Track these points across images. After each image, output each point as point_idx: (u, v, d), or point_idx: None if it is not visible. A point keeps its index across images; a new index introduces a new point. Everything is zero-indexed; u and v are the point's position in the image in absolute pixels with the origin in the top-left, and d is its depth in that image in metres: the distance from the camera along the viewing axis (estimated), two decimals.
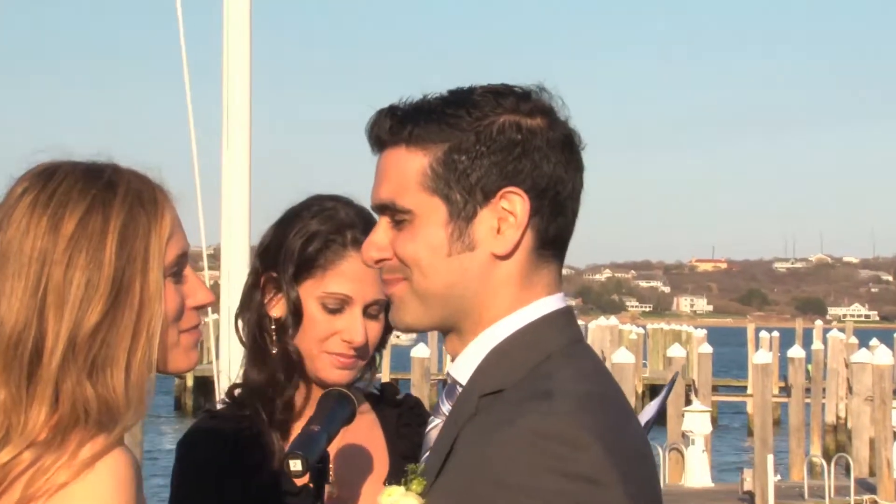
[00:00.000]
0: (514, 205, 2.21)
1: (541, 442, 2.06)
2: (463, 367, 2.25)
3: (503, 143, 2.21)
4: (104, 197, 2.26)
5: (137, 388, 2.24)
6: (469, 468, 2.10)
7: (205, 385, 44.39)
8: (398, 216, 2.25)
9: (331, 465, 2.92)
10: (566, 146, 2.25)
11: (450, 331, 2.27)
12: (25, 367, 2.20)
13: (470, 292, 2.22)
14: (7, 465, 2.17)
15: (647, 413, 3.93)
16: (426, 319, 2.26)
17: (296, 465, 2.74)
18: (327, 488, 3.00)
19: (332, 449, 3.05)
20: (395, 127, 2.25)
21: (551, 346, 2.21)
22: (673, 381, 4.93)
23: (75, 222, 2.24)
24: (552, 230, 2.24)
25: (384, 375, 50.57)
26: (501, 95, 2.24)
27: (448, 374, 2.29)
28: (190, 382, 51.62)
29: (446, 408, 2.27)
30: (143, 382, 2.25)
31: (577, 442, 2.06)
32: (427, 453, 2.27)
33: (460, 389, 2.25)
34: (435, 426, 2.29)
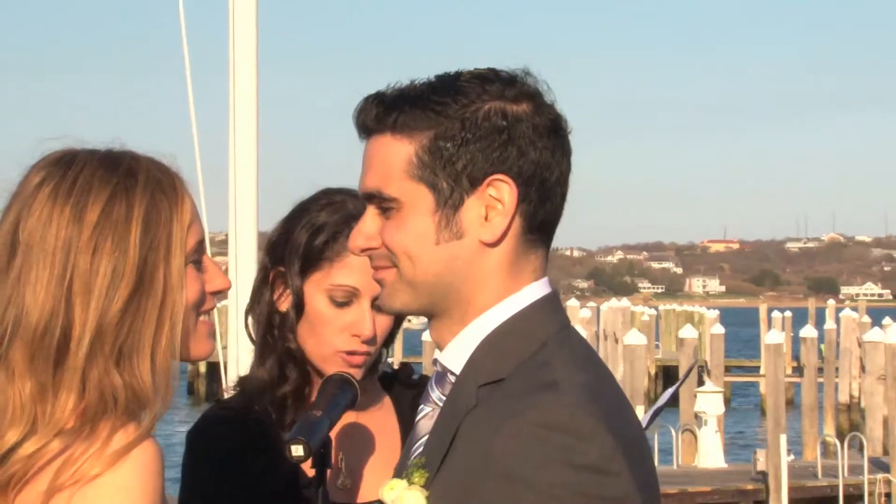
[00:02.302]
0: (502, 192, 2.19)
1: (547, 434, 2.05)
2: (455, 356, 2.23)
3: (489, 130, 2.19)
4: (126, 184, 2.26)
5: (163, 375, 2.24)
6: (475, 461, 2.09)
7: (218, 371, 44.32)
8: (385, 204, 2.23)
9: (338, 451, 2.91)
10: (552, 131, 2.24)
11: (438, 317, 2.25)
12: (52, 356, 2.20)
13: (459, 280, 2.21)
14: (34, 454, 2.17)
15: (662, 399, 3.94)
16: (415, 304, 2.25)
17: (297, 450, 2.73)
18: (339, 477, 2.99)
19: (345, 435, 3.05)
20: (380, 114, 2.23)
21: (544, 333, 2.20)
22: (691, 369, 4.96)
23: (99, 210, 2.24)
24: (540, 216, 2.23)
25: (396, 360, 50.63)
26: (487, 81, 2.22)
27: (437, 361, 2.27)
28: (203, 369, 51.62)
29: (436, 395, 2.26)
30: (169, 369, 2.25)
31: (584, 432, 2.05)
32: (420, 442, 2.26)
33: (452, 378, 2.24)
34: (425, 414, 2.28)
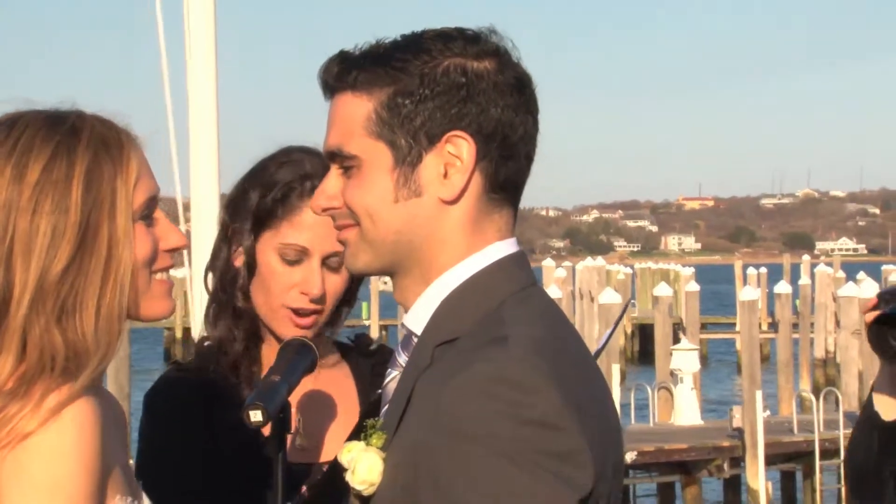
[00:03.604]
0: (460, 149, 2.17)
1: (493, 388, 2.02)
2: (417, 317, 2.22)
3: (447, 86, 2.17)
4: (68, 143, 2.25)
5: (107, 332, 2.23)
6: (424, 419, 2.07)
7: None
8: (346, 163, 2.22)
9: (296, 414, 2.89)
10: (517, 89, 2.21)
11: (401, 276, 2.24)
12: None
13: (419, 238, 2.19)
14: None
15: (599, 342, 3.97)
16: (377, 264, 2.23)
17: (256, 415, 2.71)
18: (294, 438, 2.98)
19: (304, 399, 3.04)
20: (341, 72, 2.22)
21: (504, 292, 2.18)
22: (624, 310, 4.98)
23: (39, 170, 2.23)
24: (502, 174, 2.20)
25: (373, 322, 50.70)
26: (450, 39, 2.20)
27: (403, 325, 2.26)
28: (179, 334, 51.61)
29: (403, 359, 2.24)
30: (114, 326, 2.24)
31: (531, 387, 2.03)
32: (386, 407, 2.24)
33: (416, 340, 2.22)
34: (392, 378, 2.27)
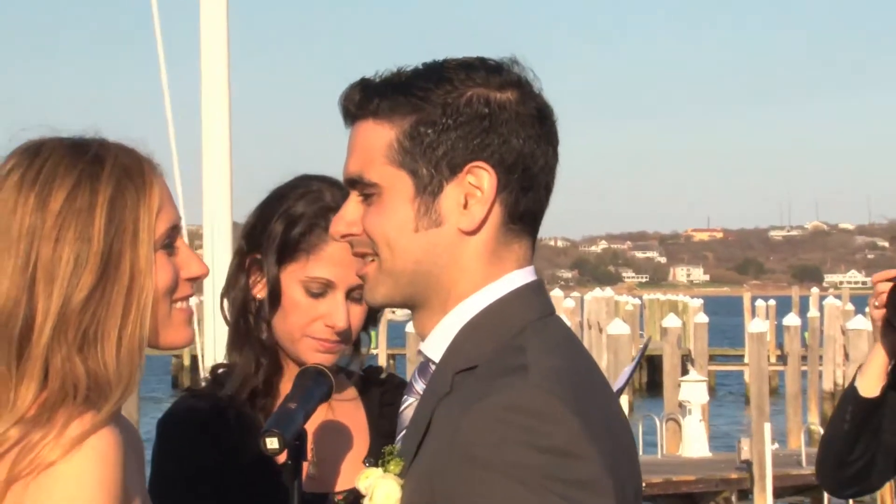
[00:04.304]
0: (481, 179, 2.18)
1: (512, 416, 2.03)
2: (435, 345, 2.22)
3: (470, 117, 2.18)
4: (91, 171, 2.26)
5: (128, 363, 2.23)
6: (443, 446, 2.07)
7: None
8: (366, 190, 2.22)
9: (309, 443, 2.89)
10: (538, 120, 2.22)
11: (419, 307, 2.24)
12: (15, 344, 2.20)
13: (438, 268, 2.20)
14: None
15: (620, 380, 3.96)
16: (397, 296, 2.24)
17: (272, 442, 2.71)
18: (307, 467, 2.97)
19: (315, 428, 3.04)
20: (363, 100, 2.23)
21: (523, 320, 2.19)
22: (645, 347, 4.94)
23: (63, 198, 2.23)
24: (522, 205, 2.21)
25: (381, 351, 50.69)
26: (472, 69, 2.21)
27: (420, 352, 2.26)
28: (187, 362, 51.58)
29: (420, 386, 2.25)
30: (135, 357, 2.24)
31: (551, 415, 2.03)
32: (403, 433, 2.25)
33: (433, 367, 2.23)
34: (409, 405, 2.27)
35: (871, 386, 3.92)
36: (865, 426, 3.95)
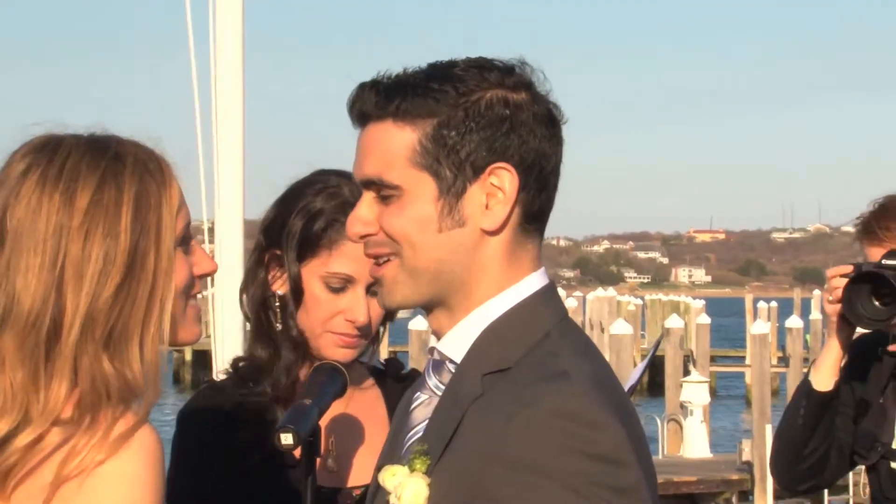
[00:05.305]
0: (503, 180, 2.20)
1: (560, 422, 2.06)
2: (455, 344, 2.24)
3: (492, 119, 2.20)
4: (114, 169, 2.25)
5: (153, 360, 2.23)
6: (484, 448, 2.10)
7: (203, 359, 44.31)
8: (385, 191, 2.23)
9: (328, 437, 2.91)
10: (549, 120, 2.25)
11: (437, 307, 2.26)
12: (43, 343, 2.19)
13: (460, 268, 2.22)
14: (31, 445, 2.16)
15: (632, 378, 3.99)
16: (416, 296, 2.25)
17: (287, 438, 2.73)
18: (327, 462, 2.99)
19: (334, 422, 3.05)
20: (381, 101, 2.23)
21: (547, 323, 2.22)
22: (656, 346, 4.97)
23: (89, 195, 2.22)
24: (537, 204, 2.24)
25: (383, 348, 50.48)
26: (485, 70, 2.23)
27: (435, 350, 2.28)
28: (189, 356, 51.58)
29: (433, 383, 2.27)
30: (157, 356, 2.24)
31: (600, 422, 2.07)
32: (416, 429, 2.27)
33: (451, 366, 2.24)
34: (421, 402, 2.29)
35: (824, 380, 3.95)
36: (819, 420, 3.98)
